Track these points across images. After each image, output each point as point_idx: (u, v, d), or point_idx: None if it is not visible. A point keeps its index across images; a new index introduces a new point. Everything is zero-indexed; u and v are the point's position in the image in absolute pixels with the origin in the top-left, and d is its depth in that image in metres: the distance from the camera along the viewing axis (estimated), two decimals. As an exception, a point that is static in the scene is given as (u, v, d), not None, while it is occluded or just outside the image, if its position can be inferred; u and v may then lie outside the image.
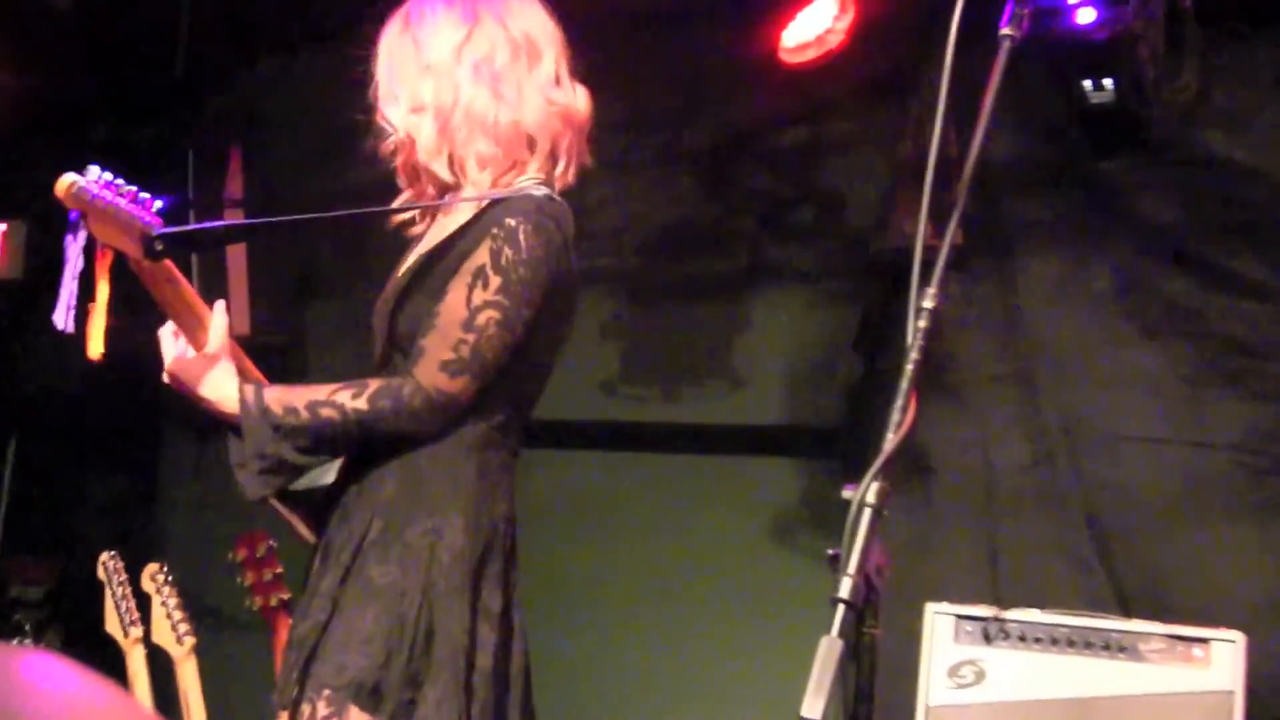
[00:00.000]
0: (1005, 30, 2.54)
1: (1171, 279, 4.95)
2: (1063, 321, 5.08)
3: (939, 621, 4.27)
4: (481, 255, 2.99)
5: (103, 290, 2.89)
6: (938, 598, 4.34)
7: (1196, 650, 4.03)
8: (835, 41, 5.04)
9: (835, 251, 5.65)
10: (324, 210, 3.55)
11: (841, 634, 2.17)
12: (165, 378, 3.13)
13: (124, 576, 4.25)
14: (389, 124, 3.20)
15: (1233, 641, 4.01)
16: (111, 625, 4.24)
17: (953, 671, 4.21)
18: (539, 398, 3.22)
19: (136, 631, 4.20)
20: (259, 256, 5.77)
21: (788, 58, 5.11)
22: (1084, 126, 4.89)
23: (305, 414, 2.96)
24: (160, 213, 2.88)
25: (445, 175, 3.15)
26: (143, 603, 4.23)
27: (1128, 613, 4.48)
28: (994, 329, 5.09)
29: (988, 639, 4.22)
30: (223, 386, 3.04)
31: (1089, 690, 4.09)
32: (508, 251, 2.98)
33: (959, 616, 4.27)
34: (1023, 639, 4.19)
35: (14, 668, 0.82)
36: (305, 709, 2.94)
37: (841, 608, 2.20)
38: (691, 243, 5.87)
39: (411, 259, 3.17)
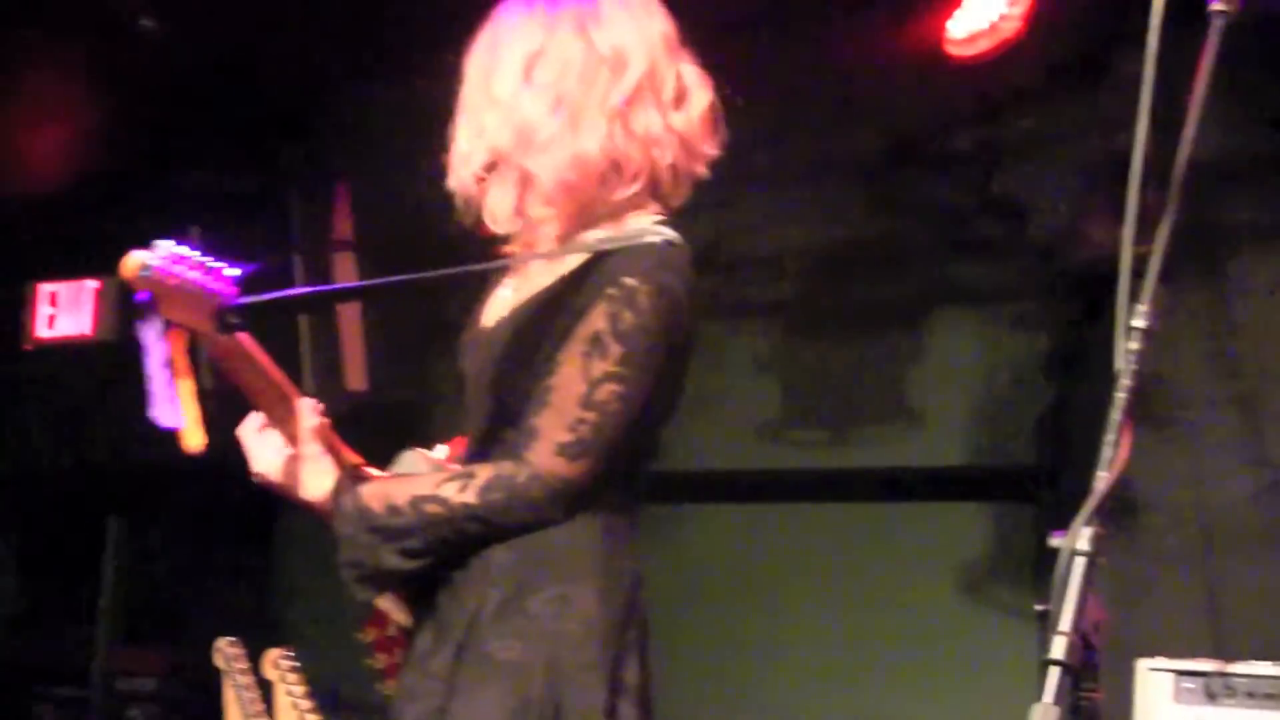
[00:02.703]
0: (1217, 6, 2.51)
1: None
2: (1283, 332, 5.02)
3: (1154, 679, 4.22)
4: (597, 320, 2.91)
5: (185, 374, 2.91)
6: (1151, 653, 4.29)
7: None
8: (1011, 29, 5.02)
9: (1021, 267, 5.63)
10: (438, 257, 3.55)
11: (1056, 700, 2.15)
12: (254, 479, 3.15)
13: (245, 664, 4.30)
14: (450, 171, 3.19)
15: None
16: (233, 717, 4.30)
17: (1173, 735, 4.17)
18: (653, 461, 3.19)
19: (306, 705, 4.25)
20: (375, 307, 5.85)
21: (957, 50, 5.09)
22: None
23: (408, 513, 2.96)
24: (240, 280, 2.89)
25: (510, 225, 3.13)
26: (265, 692, 4.28)
27: (1376, 663, 4.41)
28: (1205, 346, 5.03)
29: (1211, 697, 4.16)
30: (318, 484, 3.05)
31: (1335, 753, 4.02)
32: (628, 315, 2.92)
33: (1178, 673, 4.21)
34: (1251, 695, 4.13)
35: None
36: None
37: (1055, 670, 2.18)
38: (856, 265, 5.86)
39: (504, 306, 3.15)
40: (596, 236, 3.08)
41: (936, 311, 5.81)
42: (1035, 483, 5.68)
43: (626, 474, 3.06)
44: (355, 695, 4.23)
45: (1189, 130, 2.54)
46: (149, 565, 6.49)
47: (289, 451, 3.08)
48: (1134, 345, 2.41)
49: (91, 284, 6.32)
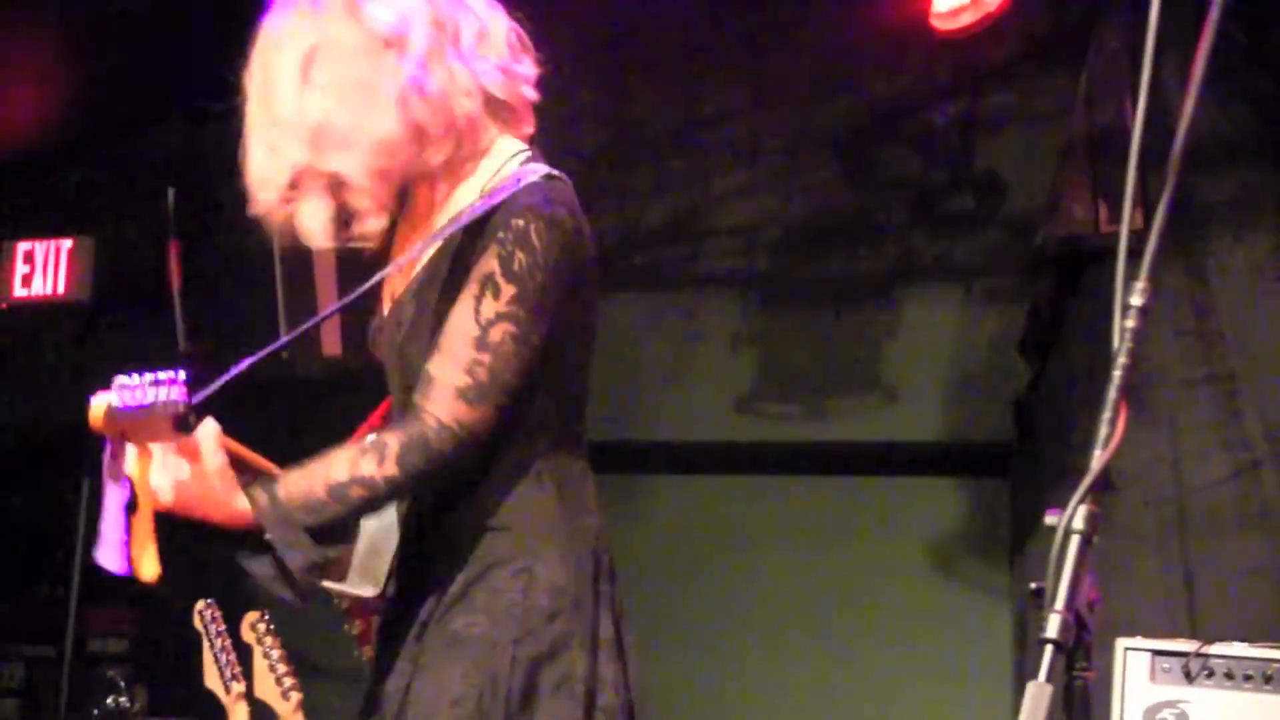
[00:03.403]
0: (1213, -21, 2.47)
1: (1388, 262, 4.87)
2: (1264, 314, 4.99)
3: (1132, 659, 4.21)
4: (489, 262, 2.87)
5: (145, 501, 2.87)
6: (1129, 632, 4.27)
7: None
8: (994, 3, 4.98)
9: (997, 243, 5.61)
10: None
11: (1050, 679, 2.12)
12: (162, 508, 3.04)
13: (223, 627, 4.27)
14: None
15: None
16: (211, 680, 4.26)
17: (1150, 715, 4.15)
18: (587, 398, 3.14)
19: (239, 687, 4.21)
20: (350, 274, 5.80)
21: (939, 24, 5.05)
22: (1283, 90, 4.82)
23: (333, 505, 2.91)
24: (186, 380, 2.85)
25: (328, 239, 3.05)
26: (243, 655, 4.24)
27: (1349, 644, 4.40)
28: (1183, 325, 5.01)
29: (1189, 677, 4.15)
30: (233, 500, 2.97)
31: (1309, 733, 4.01)
32: (520, 256, 2.86)
33: (1155, 653, 4.20)
34: (1230, 676, 4.12)
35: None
36: None
37: (1050, 649, 2.15)
38: (832, 239, 5.84)
39: (399, 285, 3.05)
40: (470, 190, 3.03)
41: (912, 286, 5.78)
42: (1009, 458, 5.68)
43: (564, 428, 3.03)
44: (327, 661, 4.21)
45: (1188, 106, 2.50)
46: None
47: (190, 477, 3.00)
48: (1130, 323, 2.37)
49: (66, 243, 6.27)
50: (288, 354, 4.48)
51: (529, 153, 3.07)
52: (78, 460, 6.53)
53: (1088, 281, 5.19)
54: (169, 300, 5.78)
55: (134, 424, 2.78)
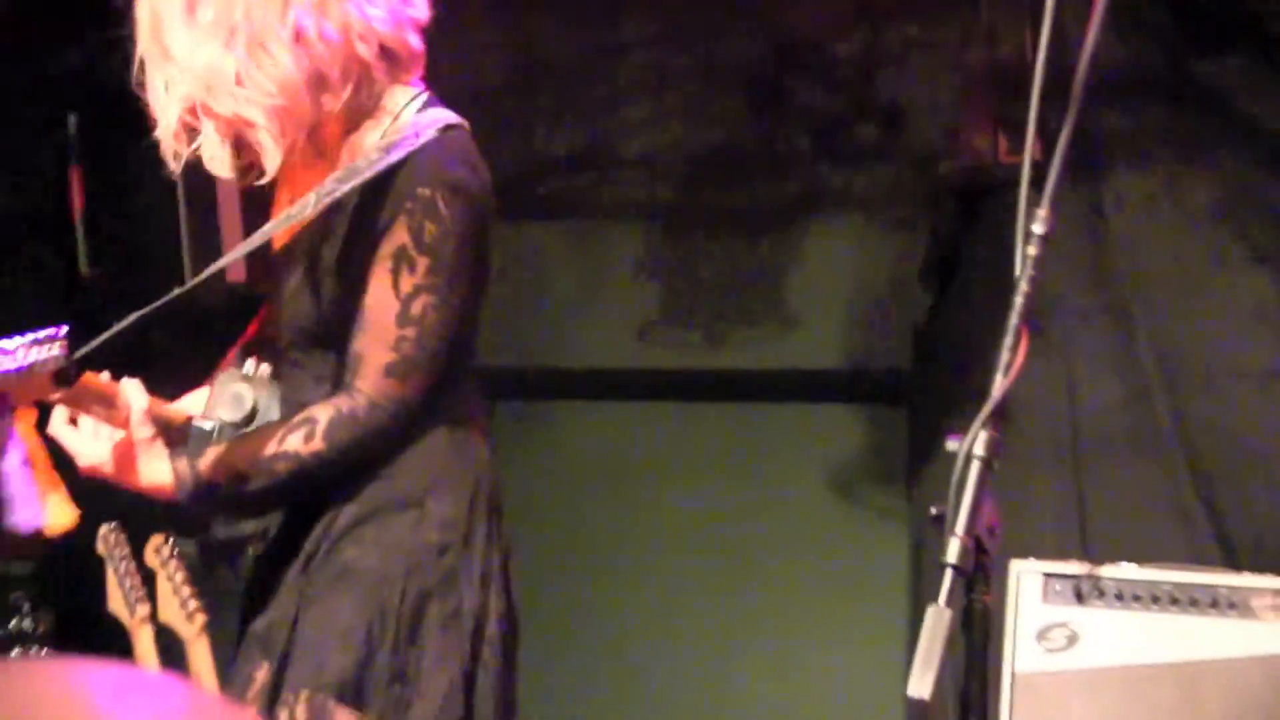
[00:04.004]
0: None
1: (1281, 192, 4.89)
2: (1158, 244, 5.01)
3: (1025, 580, 4.23)
4: (399, 235, 2.88)
5: (39, 454, 2.85)
6: (1022, 554, 4.29)
7: (1317, 606, 3.99)
8: (897, -63, 4.97)
9: (898, 173, 5.61)
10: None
11: (949, 602, 2.12)
12: (83, 473, 3.03)
13: (127, 550, 4.23)
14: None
15: (1358, 596, 3.97)
16: (115, 604, 4.23)
17: (1042, 635, 4.17)
18: (478, 334, 3.14)
19: (143, 610, 4.19)
20: (252, 199, 5.74)
21: (843, -47, 5.04)
22: (1182, 23, 4.81)
23: (257, 478, 2.90)
24: (65, 335, 2.82)
25: (230, 170, 3.00)
26: (147, 579, 4.21)
27: (1236, 566, 4.44)
28: (1078, 255, 5.02)
29: (1080, 598, 4.17)
30: (156, 471, 2.94)
31: (1196, 653, 4.04)
32: (430, 226, 2.88)
33: (1047, 575, 4.22)
34: (1119, 597, 4.14)
35: (87, 689, 0.77)
36: (282, 713, 2.90)
37: (950, 573, 2.15)
38: (735, 169, 5.82)
39: (299, 223, 3.01)
40: (370, 142, 3.00)
41: (813, 216, 5.78)
42: (906, 385, 5.69)
43: (457, 367, 3.03)
44: (230, 584, 4.17)
45: (1090, 38, 2.50)
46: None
47: (115, 437, 2.98)
48: (1032, 250, 2.38)
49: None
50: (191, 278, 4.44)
51: (425, 96, 3.05)
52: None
53: (987, 212, 5.19)
54: (70, 225, 5.71)
55: (14, 387, 2.77)
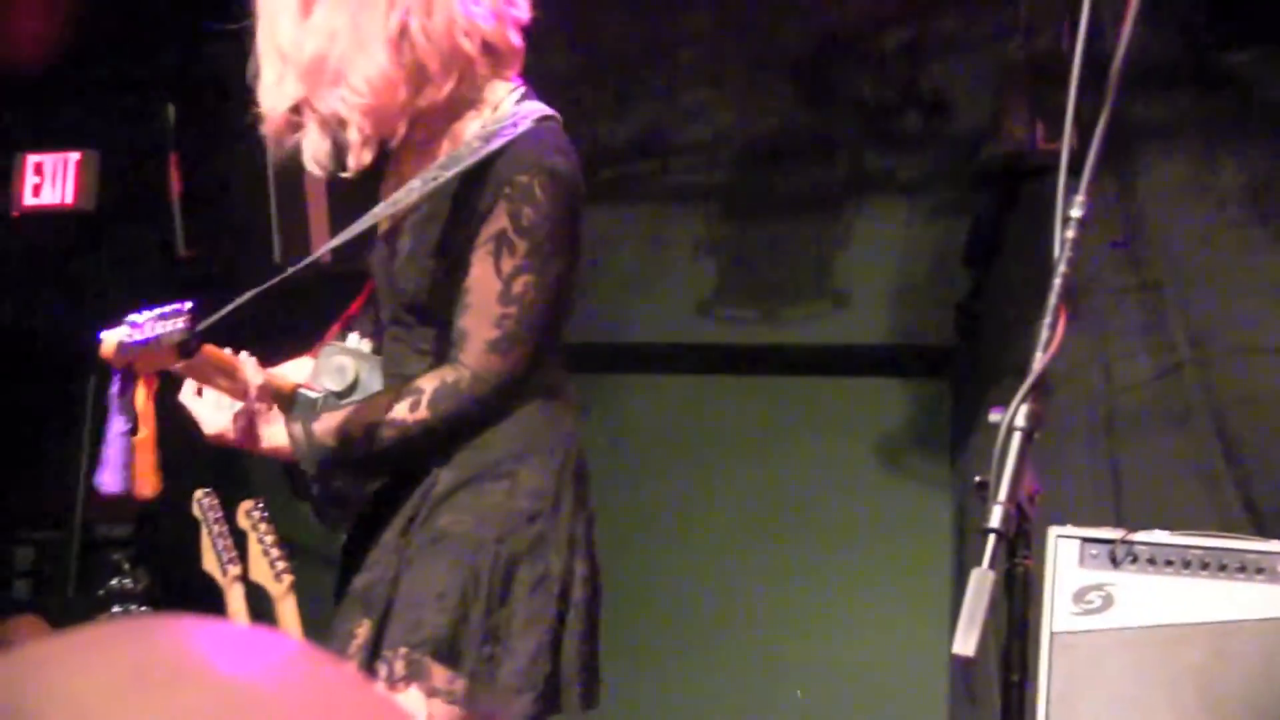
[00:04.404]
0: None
1: (1308, 177, 4.84)
2: (1188, 227, 4.97)
3: (1063, 546, 4.20)
4: (499, 219, 2.91)
5: (148, 424, 2.88)
6: (1059, 521, 4.27)
7: (1340, 570, 3.95)
8: (940, -63, 4.94)
9: (942, 159, 5.58)
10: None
11: (992, 566, 2.11)
12: (210, 440, 3.08)
13: (220, 514, 4.25)
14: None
15: (1378, 560, 3.93)
16: (209, 563, 4.25)
17: (1079, 597, 4.15)
18: (573, 310, 3.16)
19: (235, 570, 4.20)
20: (339, 189, 5.76)
21: (890, -45, 5.02)
22: (1210, 15, 4.77)
23: (365, 443, 2.93)
24: (191, 310, 2.85)
25: (326, 166, 2.99)
26: (238, 540, 4.23)
27: (1263, 532, 4.40)
28: (1114, 238, 4.99)
29: (1115, 563, 4.14)
30: (274, 435, 2.98)
31: (1224, 614, 4.01)
32: (528, 211, 2.90)
33: (1084, 540, 4.19)
34: (1152, 562, 4.11)
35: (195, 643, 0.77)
36: (381, 669, 2.92)
37: (993, 538, 2.14)
38: (788, 154, 5.79)
39: (405, 208, 3.03)
40: (471, 131, 3.01)
41: (862, 199, 5.75)
42: (950, 361, 5.66)
43: (551, 342, 3.05)
44: (315, 545, 4.19)
45: (1125, 32, 2.47)
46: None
47: (235, 407, 3.02)
48: (1070, 234, 2.35)
49: (74, 155, 6.21)
50: (281, 259, 4.47)
51: (522, 90, 3.07)
52: (84, 359, 6.49)
53: (1026, 196, 5.17)
54: (168, 209, 5.75)
55: (141, 356, 2.81)
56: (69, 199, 6.23)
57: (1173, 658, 3.96)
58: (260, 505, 4.20)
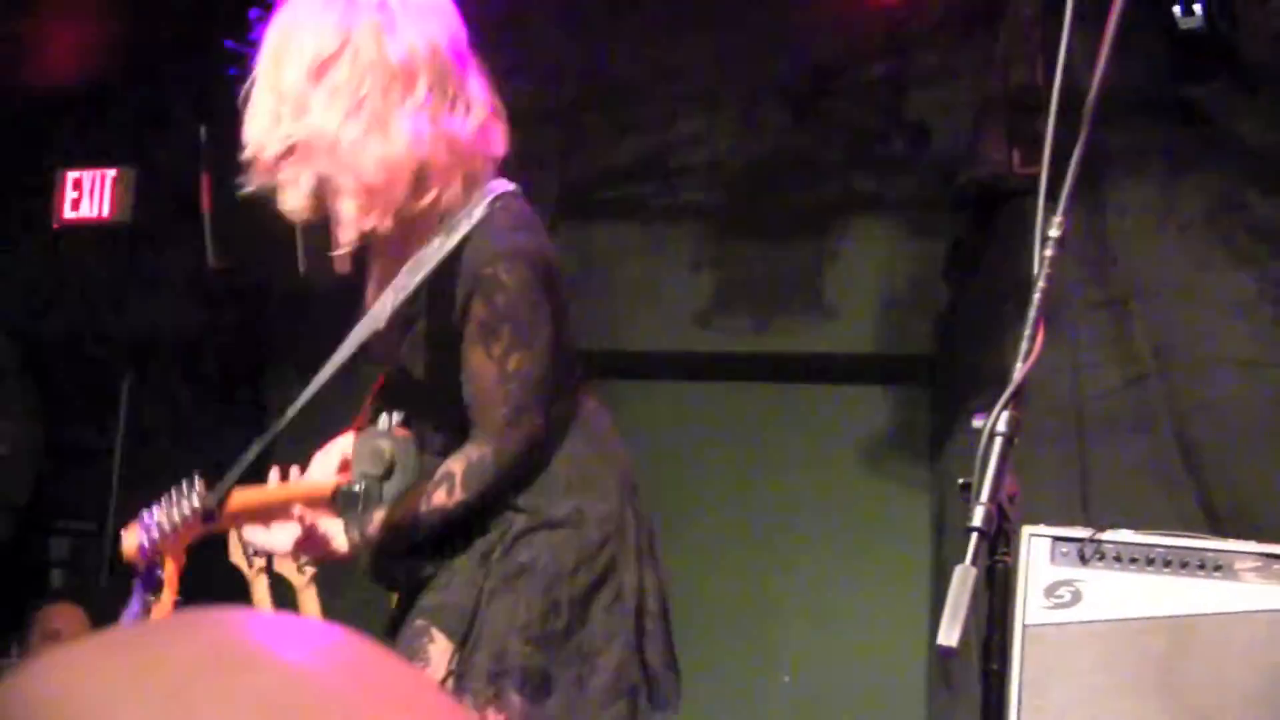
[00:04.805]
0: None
1: (1262, 201, 4.84)
2: (1153, 247, 4.98)
3: (1035, 544, 4.20)
4: (478, 311, 2.93)
5: (171, 590, 2.86)
6: (1032, 521, 4.27)
7: (1293, 569, 3.95)
8: (923, -25, 4.95)
9: (924, 183, 5.58)
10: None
11: (974, 562, 2.11)
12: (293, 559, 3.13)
13: (247, 510, 4.25)
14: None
15: (1329, 560, 3.93)
16: (236, 556, 4.26)
17: (1049, 592, 4.14)
18: (576, 345, 3.18)
19: (260, 562, 4.21)
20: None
21: (876, -7, 5.02)
22: (1174, 52, 4.78)
23: (413, 531, 2.99)
24: (202, 477, 2.82)
25: (301, 214, 2.96)
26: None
27: (1219, 532, 4.40)
28: (1084, 256, 5.00)
29: (1083, 560, 4.14)
30: (343, 543, 3.00)
31: (1185, 609, 4.01)
32: (500, 298, 2.93)
33: (1055, 538, 4.19)
34: (1118, 559, 4.11)
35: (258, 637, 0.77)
36: (467, 698, 2.94)
37: (975, 536, 2.14)
38: (781, 176, 5.81)
39: (401, 292, 3.01)
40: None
41: (849, 218, 5.76)
42: (930, 369, 5.67)
43: (569, 379, 3.09)
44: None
45: (1100, 66, 2.48)
46: (157, 421, 6.42)
47: (288, 525, 2.99)
48: (1049, 252, 2.36)
49: (110, 172, 6.22)
50: (305, 270, 4.48)
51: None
52: (120, 364, 6.51)
53: (1001, 218, 5.18)
54: (200, 224, 5.76)
55: (165, 544, 2.78)
56: (106, 213, 6.24)
57: (1137, 649, 3.95)
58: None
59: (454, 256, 2.93)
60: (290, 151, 2.90)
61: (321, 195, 2.90)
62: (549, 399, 3.00)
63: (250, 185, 2.95)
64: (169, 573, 2.81)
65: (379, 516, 2.99)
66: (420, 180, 2.91)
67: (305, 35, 2.88)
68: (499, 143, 3.05)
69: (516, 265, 2.95)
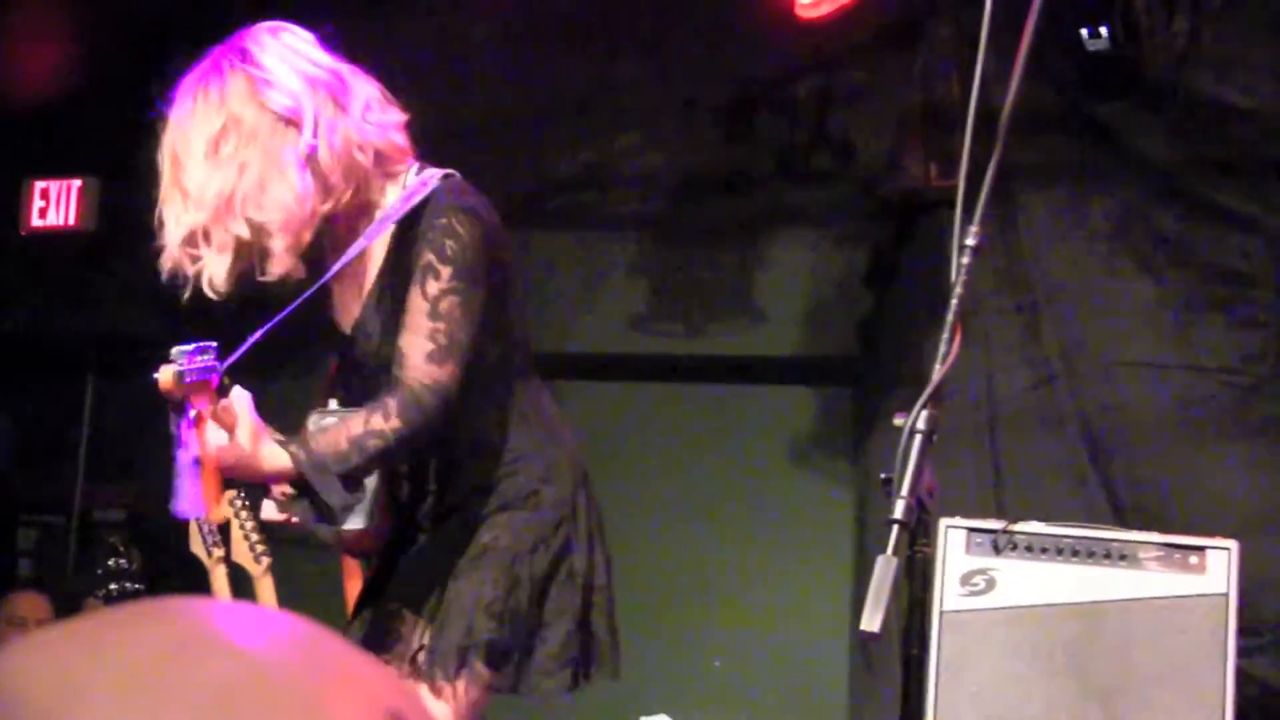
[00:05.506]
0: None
1: (1164, 214, 4.87)
2: (1062, 256, 5.01)
3: (951, 535, 4.21)
4: (426, 255, 2.93)
5: (208, 454, 2.81)
6: (948, 513, 4.28)
7: (1193, 558, 3.97)
8: (848, -3, 4.95)
9: (847, 194, 5.59)
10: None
11: (895, 552, 2.11)
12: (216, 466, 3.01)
13: (210, 501, 4.21)
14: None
15: (1227, 549, 3.95)
16: (195, 546, 4.21)
17: (965, 580, 4.16)
18: (530, 337, 3.19)
19: (219, 552, 4.16)
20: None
21: (803, 12, 5.01)
22: (1082, 71, 4.81)
23: (356, 456, 2.90)
24: (210, 347, 2.80)
25: (228, 286, 2.96)
26: (222, 526, 4.19)
27: (1123, 524, 4.44)
28: (997, 265, 5.02)
29: (997, 550, 4.15)
30: (276, 458, 2.91)
31: (1093, 595, 4.03)
32: (449, 243, 2.93)
33: (970, 529, 4.20)
34: (1030, 549, 4.13)
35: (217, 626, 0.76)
36: (437, 670, 2.98)
37: (896, 528, 2.14)
38: (712, 188, 5.81)
39: (352, 304, 3.10)
40: (389, 201, 3.04)
41: (777, 228, 5.77)
42: (853, 371, 5.68)
43: (524, 367, 3.10)
44: (292, 534, 4.15)
45: (1015, 78, 2.49)
46: (119, 417, 6.37)
47: (235, 442, 2.93)
48: (966, 260, 2.36)
49: (76, 182, 6.17)
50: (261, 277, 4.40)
51: (418, 164, 3.12)
52: (83, 364, 6.46)
53: (920, 227, 5.20)
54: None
55: (195, 389, 2.74)
56: (72, 221, 6.19)
57: (1047, 634, 3.97)
58: (242, 495, 4.17)
59: (413, 220, 2.97)
60: (192, 238, 2.95)
61: (243, 255, 2.94)
62: (468, 357, 2.96)
63: (166, 277, 3.01)
64: (199, 429, 2.77)
65: (320, 437, 2.94)
66: (325, 191, 2.97)
67: (192, 129, 2.95)
68: (400, 129, 3.09)
69: (471, 220, 2.97)
